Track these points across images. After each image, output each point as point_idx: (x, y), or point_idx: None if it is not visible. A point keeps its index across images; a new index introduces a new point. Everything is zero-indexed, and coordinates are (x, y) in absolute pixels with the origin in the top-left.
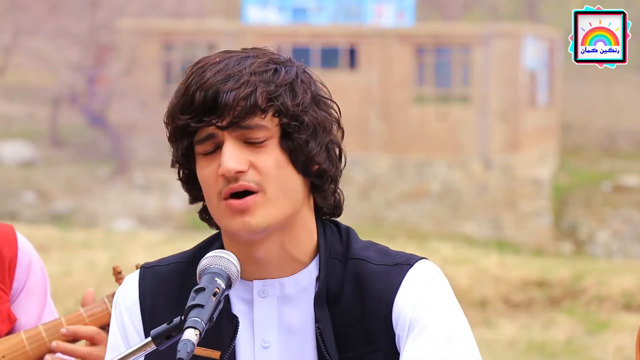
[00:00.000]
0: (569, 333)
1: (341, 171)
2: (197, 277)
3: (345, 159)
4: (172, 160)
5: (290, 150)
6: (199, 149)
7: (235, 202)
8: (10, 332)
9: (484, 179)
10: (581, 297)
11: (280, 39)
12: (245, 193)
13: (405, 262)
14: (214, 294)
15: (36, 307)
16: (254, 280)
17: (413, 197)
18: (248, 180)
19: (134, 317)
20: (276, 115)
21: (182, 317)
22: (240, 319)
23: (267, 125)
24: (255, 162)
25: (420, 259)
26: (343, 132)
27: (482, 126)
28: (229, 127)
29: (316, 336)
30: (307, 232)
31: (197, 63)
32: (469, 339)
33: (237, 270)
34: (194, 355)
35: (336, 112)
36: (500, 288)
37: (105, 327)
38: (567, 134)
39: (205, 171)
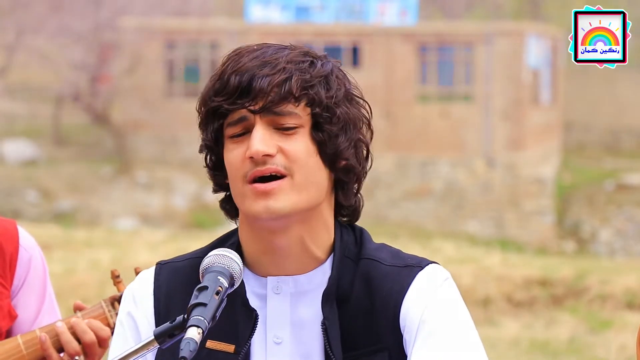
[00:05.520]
0: (572, 332)
1: (366, 172)
2: (200, 276)
3: (372, 160)
4: (201, 146)
5: (320, 142)
6: (228, 131)
7: (259, 186)
8: (10, 329)
9: (487, 177)
10: (584, 295)
11: (283, 37)
12: (271, 178)
13: (416, 265)
14: (217, 293)
15: (35, 303)
16: (268, 277)
17: (416, 195)
18: (276, 164)
19: (147, 308)
20: (309, 105)
21: (185, 316)
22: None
23: (299, 114)
24: (285, 148)
25: (430, 263)
26: (372, 134)
27: (485, 125)
28: (262, 111)
29: (321, 333)
30: (325, 228)
31: (235, 50)
32: (477, 345)
33: (240, 269)
34: (208, 349)
35: (367, 113)
36: (503, 287)
37: None
38: (570, 132)
39: (232, 153)
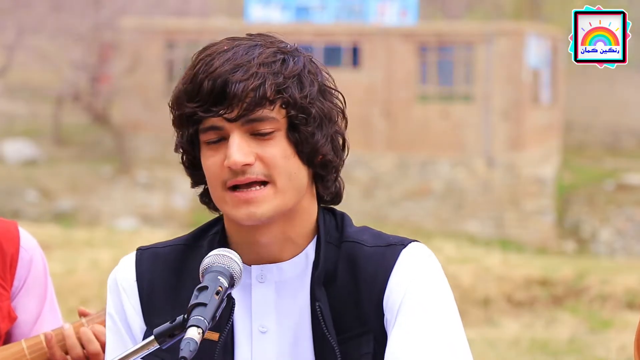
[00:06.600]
0: (572, 331)
1: (344, 161)
2: (200, 276)
3: (348, 148)
4: (176, 145)
5: (296, 142)
6: (204, 137)
7: (240, 194)
8: (10, 330)
9: (487, 177)
10: (584, 295)
11: (283, 37)
12: (250, 184)
13: (399, 243)
14: (217, 293)
15: (35, 305)
16: (252, 265)
17: (416, 195)
18: (256, 173)
19: (131, 297)
20: (284, 107)
21: (185, 316)
22: (237, 304)
23: (275, 117)
24: (262, 154)
25: (412, 241)
26: (347, 122)
27: (485, 125)
28: (238, 119)
29: (316, 315)
30: (307, 218)
31: (205, 50)
32: (457, 325)
33: (240, 269)
34: None
35: (341, 102)
36: (503, 286)
37: None
38: (570, 132)
39: (210, 160)
